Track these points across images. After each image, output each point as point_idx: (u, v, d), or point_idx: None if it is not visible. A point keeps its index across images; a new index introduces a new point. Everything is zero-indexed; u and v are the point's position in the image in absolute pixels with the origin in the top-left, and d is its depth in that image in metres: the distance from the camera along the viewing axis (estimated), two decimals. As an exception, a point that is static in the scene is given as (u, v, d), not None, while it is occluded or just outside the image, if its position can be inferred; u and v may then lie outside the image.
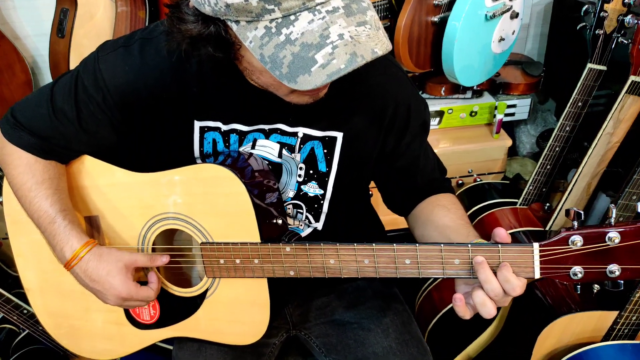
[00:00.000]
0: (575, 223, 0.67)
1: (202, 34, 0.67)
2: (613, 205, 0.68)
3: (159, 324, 0.93)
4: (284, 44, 0.61)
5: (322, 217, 0.95)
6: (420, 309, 1.52)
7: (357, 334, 0.97)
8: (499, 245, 0.70)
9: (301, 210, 0.94)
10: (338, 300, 1.02)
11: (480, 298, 0.70)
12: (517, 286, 0.69)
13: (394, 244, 0.74)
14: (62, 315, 0.98)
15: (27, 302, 1.35)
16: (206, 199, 0.84)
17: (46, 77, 1.84)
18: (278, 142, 0.88)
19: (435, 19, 1.53)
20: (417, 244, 0.73)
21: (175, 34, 0.70)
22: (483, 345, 1.35)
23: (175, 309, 0.92)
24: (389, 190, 0.98)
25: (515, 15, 1.58)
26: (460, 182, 1.71)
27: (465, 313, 0.72)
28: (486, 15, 1.49)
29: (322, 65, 0.61)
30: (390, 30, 1.56)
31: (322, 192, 0.91)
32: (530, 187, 1.43)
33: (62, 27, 1.58)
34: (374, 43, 0.62)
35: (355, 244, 0.76)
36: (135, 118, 0.85)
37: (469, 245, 0.71)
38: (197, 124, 0.86)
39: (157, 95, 0.83)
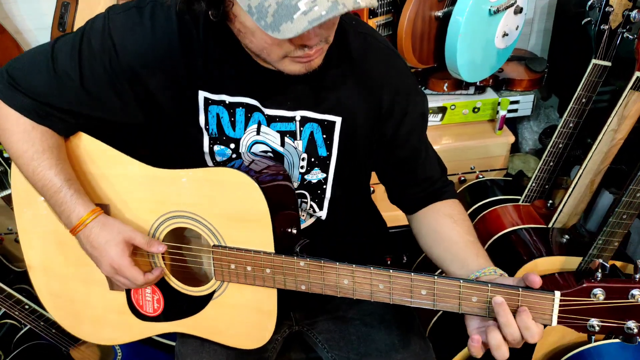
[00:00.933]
0: (599, 275, 0.66)
1: None
2: (638, 261, 0.66)
3: (162, 317, 0.93)
4: None
5: (326, 204, 0.94)
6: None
7: (360, 330, 0.97)
8: (520, 289, 0.68)
9: (305, 200, 0.93)
10: (340, 298, 1.02)
11: (497, 341, 0.68)
12: (537, 334, 0.68)
13: (412, 273, 0.73)
14: (62, 296, 0.98)
15: (28, 297, 1.35)
16: (223, 203, 0.83)
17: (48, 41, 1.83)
18: (278, 132, 0.87)
19: (439, 13, 1.51)
20: (435, 276, 0.72)
21: None
22: (485, 342, 1.34)
23: (179, 305, 0.92)
24: (391, 183, 0.98)
25: (519, 10, 1.57)
26: (462, 178, 1.70)
27: (479, 353, 0.71)
28: (490, 10, 1.48)
29: (304, 12, 0.61)
30: (393, 25, 1.55)
31: (324, 175, 0.91)
32: (533, 184, 1.42)
33: (63, 21, 1.57)
34: None
35: (371, 267, 0.75)
36: (139, 87, 0.82)
37: (489, 285, 0.69)
38: (202, 95, 0.85)
39: (164, 60, 0.81)
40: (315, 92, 0.84)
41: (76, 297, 0.97)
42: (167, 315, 0.93)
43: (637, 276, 0.65)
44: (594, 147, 1.25)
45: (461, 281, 0.71)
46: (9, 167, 1.43)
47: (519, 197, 1.46)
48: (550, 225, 1.32)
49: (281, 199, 0.84)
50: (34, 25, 1.75)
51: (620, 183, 1.16)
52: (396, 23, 1.52)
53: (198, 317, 0.90)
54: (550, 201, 1.39)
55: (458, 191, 1.64)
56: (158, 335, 0.97)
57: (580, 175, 1.28)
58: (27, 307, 1.35)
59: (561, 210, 1.31)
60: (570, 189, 1.29)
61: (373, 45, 0.85)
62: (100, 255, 0.84)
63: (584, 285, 0.66)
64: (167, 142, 0.90)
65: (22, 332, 1.48)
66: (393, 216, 1.08)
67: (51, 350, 1.45)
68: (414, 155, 0.92)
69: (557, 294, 0.67)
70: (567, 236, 1.27)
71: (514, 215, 1.39)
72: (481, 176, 1.69)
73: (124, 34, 0.79)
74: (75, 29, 1.57)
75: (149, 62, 0.81)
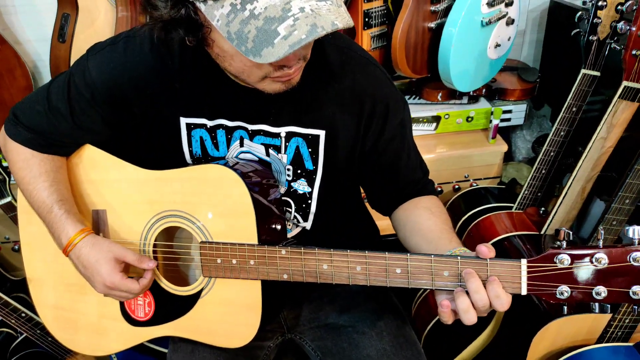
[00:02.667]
0: (564, 243, 0.68)
1: (173, 17, 0.69)
2: (602, 228, 0.68)
3: (153, 321, 0.94)
4: (248, 19, 0.64)
5: (311, 217, 0.96)
6: (417, 313, 1.52)
7: (352, 337, 0.98)
8: (488, 260, 0.70)
9: (290, 209, 0.95)
10: (332, 304, 1.03)
11: (465, 304, 0.70)
12: (506, 302, 0.70)
13: (386, 253, 0.75)
14: (59, 307, 1.00)
15: (25, 305, 1.36)
16: (210, 199, 0.86)
17: (47, 82, 1.85)
18: (262, 144, 0.90)
19: (432, 25, 1.54)
20: (409, 254, 0.74)
21: (148, 22, 0.74)
22: (479, 349, 1.35)
23: (169, 307, 0.93)
24: (371, 188, 0.99)
25: (510, 22, 1.60)
26: (456, 186, 1.72)
27: (449, 319, 0.73)
28: (482, 21, 1.51)
29: (284, 36, 0.63)
30: (387, 36, 1.58)
31: (309, 189, 0.93)
32: (526, 192, 1.44)
33: (63, 32, 1.60)
34: (334, 16, 0.64)
35: (348, 251, 0.77)
36: (125, 114, 0.89)
37: (459, 258, 0.72)
38: (183, 121, 0.89)
39: (142, 91, 0.86)
40: (297, 108, 0.86)
41: (72, 307, 0.99)
42: (158, 318, 0.94)
43: (600, 242, 0.67)
44: (584, 155, 1.27)
45: (432, 256, 0.73)
46: (8, 176, 1.44)
47: (512, 205, 1.47)
48: (542, 232, 1.33)
49: (265, 195, 0.86)
50: (34, 36, 1.78)
51: (611, 190, 1.18)
52: (390, 34, 1.55)
53: (187, 318, 0.92)
54: (543, 208, 1.41)
55: (452, 199, 1.66)
56: (151, 342, 0.98)
57: (572, 183, 1.30)
58: (23, 315, 1.35)
59: (553, 217, 1.32)
60: (562, 196, 1.31)
61: (350, 57, 0.87)
62: (92, 275, 0.87)
63: (550, 251, 0.68)
64: (153, 159, 0.93)
65: (18, 340, 1.48)
66: (388, 224, 1.09)
67: (47, 359, 1.45)
68: (395, 162, 0.94)
69: (524, 261, 0.69)
70: (559, 243, 1.28)
71: (507, 223, 1.41)
72: (475, 184, 1.71)
73: (101, 68, 0.86)
74: (74, 39, 1.61)
75: (127, 93, 0.86)
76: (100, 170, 0.94)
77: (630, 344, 1.13)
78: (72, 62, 1.61)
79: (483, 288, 0.70)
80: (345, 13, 0.66)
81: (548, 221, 1.34)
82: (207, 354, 0.94)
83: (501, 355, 1.30)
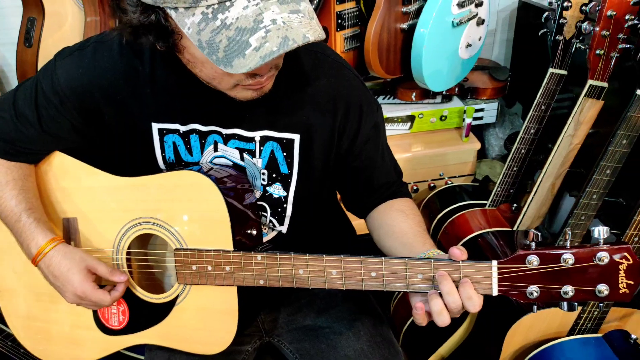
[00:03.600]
0: (533, 244, 0.69)
1: (142, 23, 0.68)
2: (569, 228, 0.70)
3: (128, 330, 0.93)
4: (219, 29, 0.64)
5: (286, 221, 0.96)
6: (395, 311, 1.54)
7: (330, 338, 0.99)
8: (460, 262, 0.72)
9: (265, 214, 0.95)
10: (309, 306, 1.04)
11: (439, 307, 0.71)
12: (478, 303, 0.71)
13: (362, 257, 0.76)
14: (31, 317, 0.98)
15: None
16: (183, 205, 0.85)
17: (14, 87, 1.81)
18: (237, 148, 0.89)
19: (404, 26, 1.56)
20: (383, 257, 0.75)
21: (118, 26, 0.73)
22: (456, 344, 1.38)
23: (144, 315, 0.92)
24: (346, 191, 1.00)
25: (481, 22, 1.63)
26: (432, 185, 1.74)
27: (423, 321, 0.74)
28: (453, 22, 1.53)
29: (255, 48, 0.63)
30: (360, 38, 1.59)
31: (285, 194, 0.93)
32: (499, 189, 1.47)
33: (29, 37, 1.56)
34: (306, 29, 0.64)
35: (324, 255, 0.77)
36: (95, 121, 0.87)
37: (432, 261, 0.73)
38: (155, 126, 0.88)
39: (112, 97, 0.85)
40: (271, 112, 0.86)
41: (44, 317, 0.97)
42: (132, 326, 0.93)
43: (568, 242, 0.69)
44: (553, 151, 1.30)
45: (407, 259, 0.74)
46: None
47: (485, 202, 1.50)
48: (515, 228, 1.36)
49: (240, 201, 0.86)
50: (0, 40, 1.73)
51: (580, 186, 1.21)
52: (363, 35, 1.55)
53: (163, 325, 0.91)
54: (515, 205, 1.44)
55: (428, 197, 1.68)
56: (127, 350, 0.96)
57: (542, 179, 1.33)
58: (-6, 328, 1.32)
59: (525, 213, 1.35)
60: (533, 193, 1.34)
61: (323, 61, 0.88)
62: (63, 284, 0.85)
63: (519, 253, 0.69)
64: (125, 165, 0.92)
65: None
66: (364, 223, 1.10)
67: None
68: (370, 165, 0.95)
69: (494, 262, 0.70)
70: (527, 242, 1.31)
71: (480, 220, 1.43)
72: (450, 182, 1.73)
73: (69, 74, 0.84)
74: (41, 44, 1.57)
75: (97, 98, 0.85)
76: (70, 177, 0.92)
77: (599, 335, 1.16)
78: (39, 67, 1.59)
79: (455, 290, 0.71)
80: (317, 26, 0.66)
81: (520, 217, 1.36)
82: (185, 359, 0.94)
83: (477, 349, 1.32)
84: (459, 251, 0.72)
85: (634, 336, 1.06)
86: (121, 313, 0.93)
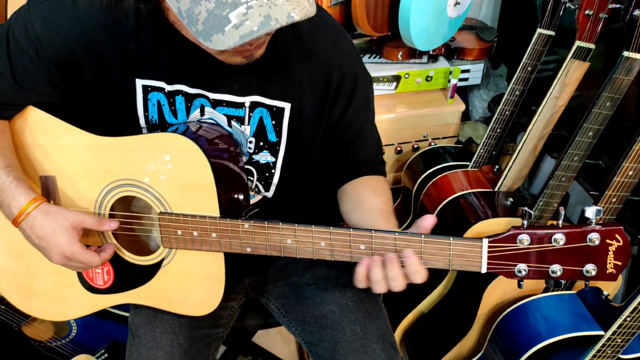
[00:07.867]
0: (525, 222, 0.69)
1: None
2: (563, 208, 0.69)
3: (112, 289, 0.93)
4: None
5: (272, 188, 0.95)
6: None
7: (315, 293, 1.00)
8: (450, 239, 0.72)
9: (252, 178, 0.93)
10: (295, 263, 1.04)
11: (378, 276, 0.75)
12: (402, 285, 0.74)
13: (351, 229, 0.75)
14: (13, 273, 0.96)
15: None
16: (167, 169, 0.82)
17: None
18: (225, 115, 0.86)
19: (392, -19, 1.51)
20: (373, 231, 0.75)
21: None
22: (435, 301, 1.42)
23: (129, 276, 0.91)
24: (328, 162, 0.98)
25: (470, -21, 1.59)
26: (415, 146, 1.74)
27: (362, 285, 0.78)
28: (442, -22, 1.49)
29: (235, 25, 0.60)
30: (347, -7, 1.54)
31: (273, 159, 0.91)
32: (481, 151, 1.47)
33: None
34: (292, 7, 0.60)
35: (313, 226, 0.77)
36: (73, 75, 0.82)
37: (422, 237, 0.73)
38: (139, 82, 0.83)
39: (92, 50, 0.80)
40: (262, 77, 0.83)
41: (28, 274, 0.95)
42: (117, 286, 0.92)
43: (560, 223, 0.69)
44: (537, 114, 1.31)
45: (397, 234, 0.74)
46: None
47: (468, 163, 1.51)
48: (496, 189, 1.38)
49: (230, 163, 0.84)
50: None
51: (561, 148, 1.22)
52: (350, -10, 1.51)
53: (148, 287, 0.90)
54: (497, 166, 1.45)
55: (411, 158, 1.69)
56: (112, 307, 0.96)
57: (524, 141, 1.34)
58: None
59: (506, 175, 1.37)
60: (515, 155, 1.35)
61: (320, 25, 0.85)
62: (48, 245, 0.82)
63: (511, 232, 0.70)
64: (105, 123, 0.88)
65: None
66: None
67: (0, 328, 1.40)
68: (358, 137, 0.93)
69: (485, 240, 0.71)
70: (511, 199, 1.33)
71: (463, 181, 1.45)
72: (433, 144, 1.73)
73: (46, 24, 0.78)
74: (8, 15, 1.47)
75: (76, 51, 0.79)
76: (47, 134, 0.88)
77: (574, 291, 1.21)
78: (9, 14, 1.50)
79: (400, 276, 0.73)
80: (306, 1, 0.62)
81: (501, 179, 1.38)
82: (170, 317, 0.94)
83: (456, 306, 1.36)
84: (426, 223, 0.74)
85: (605, 292, 1.10)
86: (106, 273, 0.92)
